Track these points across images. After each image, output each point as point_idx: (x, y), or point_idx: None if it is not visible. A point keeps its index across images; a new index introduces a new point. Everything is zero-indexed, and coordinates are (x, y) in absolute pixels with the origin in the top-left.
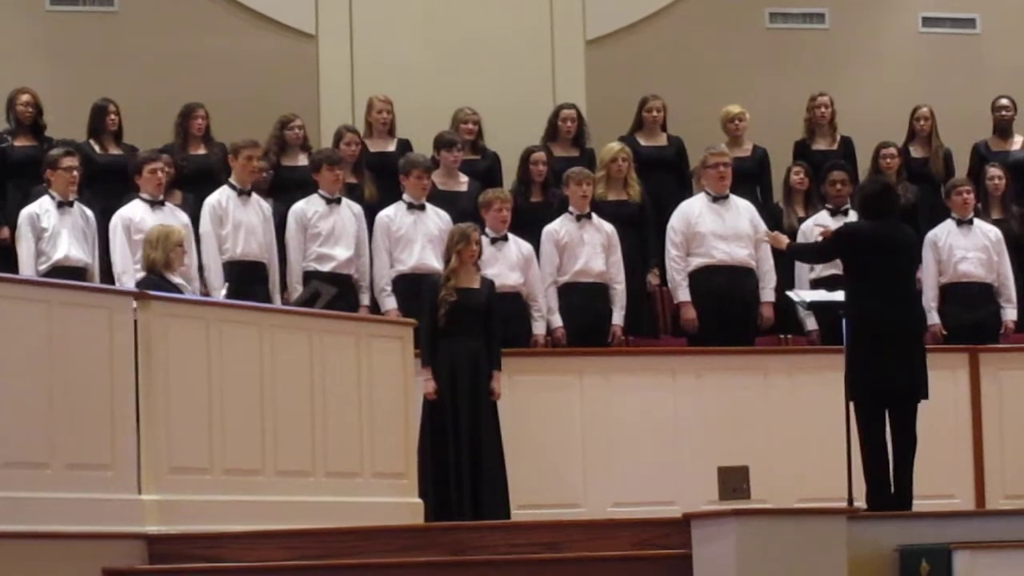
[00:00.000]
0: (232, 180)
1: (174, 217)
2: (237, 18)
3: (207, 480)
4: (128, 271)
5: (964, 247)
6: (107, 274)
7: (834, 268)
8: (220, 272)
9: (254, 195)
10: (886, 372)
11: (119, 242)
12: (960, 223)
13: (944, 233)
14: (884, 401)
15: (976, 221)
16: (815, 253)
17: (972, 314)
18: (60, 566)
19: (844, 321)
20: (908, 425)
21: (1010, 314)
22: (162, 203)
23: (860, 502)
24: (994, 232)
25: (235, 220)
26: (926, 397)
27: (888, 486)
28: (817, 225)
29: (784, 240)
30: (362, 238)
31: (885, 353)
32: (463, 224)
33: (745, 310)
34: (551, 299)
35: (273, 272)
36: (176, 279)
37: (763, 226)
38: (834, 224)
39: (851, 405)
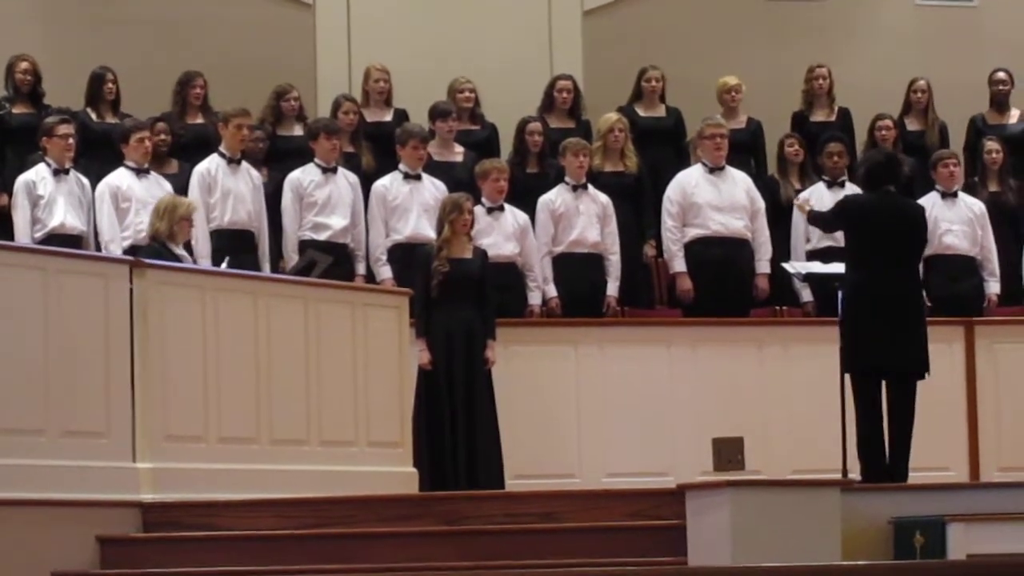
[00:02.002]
0: (222, 148)
1: (159, 186)
2: None
3: (202, 448)
4: (115, 239)
5: (949, 219)
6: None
7: (829, 240)
8: (207, 241)
9: (244, 163)
10: (882, 345)
11: (106, 210)
12: (945, 196)
13: (929, 205)
14: (879, 374)
15: (960, 194)
16: (822, 222)
17: (955, 286)
18: (54, 533)
19: (839, 293)
20: (905, 400)
21: (993, 287)
22: (148, 171)
23: (855, 474)
24: (978, 205)
25: (224, 188)
26: (926, 374)
27: (883, 459)
28: (801, 202)
29: (807, 208)
30: (358, 207)
31: (881, 326)
32: (456, 194)
33: (741, 281)
34: (546, 269)
35: (262, 241)
36: (179, 250)
37: (759, 198)
38: (828, 198)
39: (847, 377)
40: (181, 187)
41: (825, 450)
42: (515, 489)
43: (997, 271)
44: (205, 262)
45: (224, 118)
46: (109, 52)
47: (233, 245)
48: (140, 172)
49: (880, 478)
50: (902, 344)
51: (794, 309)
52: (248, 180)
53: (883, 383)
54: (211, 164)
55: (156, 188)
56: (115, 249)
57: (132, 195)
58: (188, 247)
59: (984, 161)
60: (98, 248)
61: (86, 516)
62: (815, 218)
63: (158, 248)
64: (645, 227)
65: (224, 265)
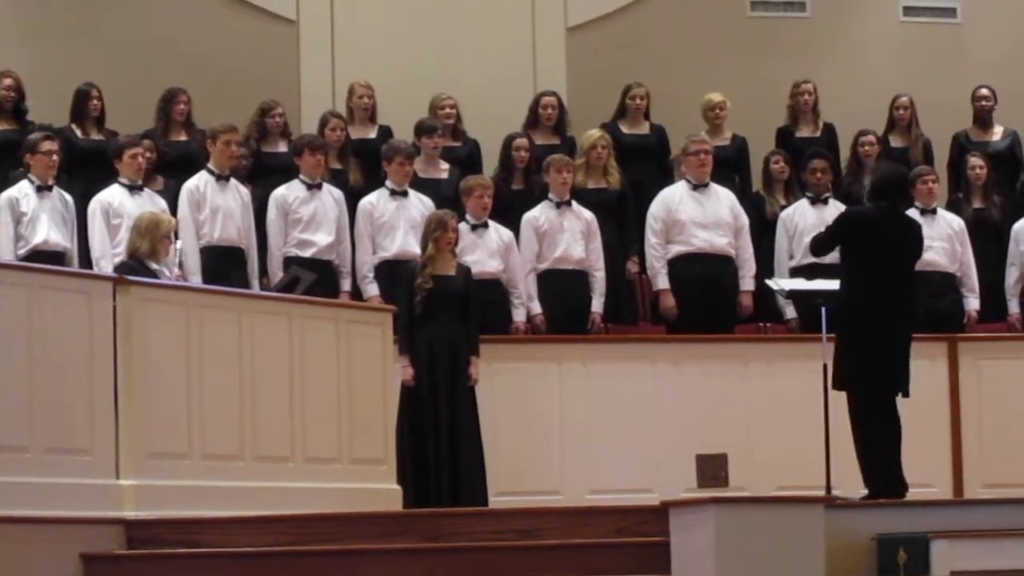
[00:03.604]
0: (210, 165)
1: (152, 203)
2: (218, 3)
3: (185, 465)
4: (106, 256)
5: (928, 236)
6: (86, 258)
7: (812, 257)
8: (197, 258)
9: (232, 180)
10: (878, 361)
11: (97, 227)
12: (924, 212)
13: None
14: (874, 389)
15: (940, 211)
16: (819, 245)
17: (935, 303)
18: (38, 550)
19: (824, 310)
20: (893, 413)
21: (972, 303)
22: (141, 188)
23: (839, 490)
24: (957, 222)
25: (213, 205)
26: (906, 394)
27: (888, 471)
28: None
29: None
30: (343, 224)
31: (877, 341)
32: (440, 211)
33: (724, 298)
34: (531, 286)
35: (251, 257)
36: (154, 265)
37: (743, 215)
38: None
39: (828, 393)
40: (168, 204)
41: (809, 467)
42: (499, 506)
43: (976, 287)
44: (196, 279)
45: (212, 134)
46: (93, 68)
47: (222, 262)
48: (133, 189)
49: (890, 494)
50: (895, 360)
51: (778, 326)
52: (237, 197)
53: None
54: (200, 181)
55: (149, 205)
56: (106, 266)
57: (124, 212)
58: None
59: (968, 177)
60: (87, 265)
61: (69, 533)
62: (814, 244)
63: (134, 265)
64: (628, 244)
65: (178, 244)
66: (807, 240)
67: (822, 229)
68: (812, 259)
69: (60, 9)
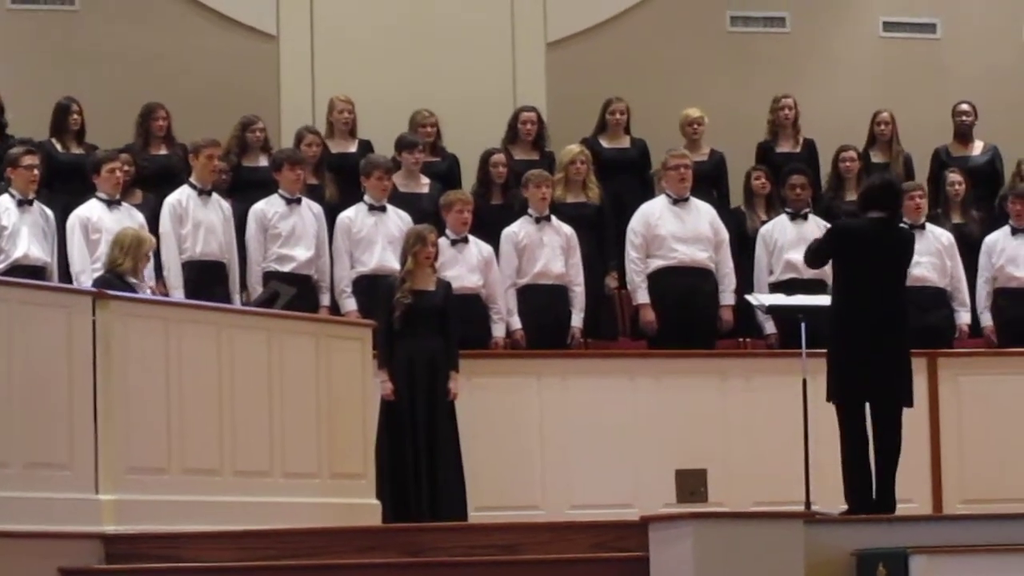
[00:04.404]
0: (192, 179)
1: (130, 217)
2: (198, 17)
3: (165, 480)
4: (86, 271)
5: (917, 251)
6: (66, 273)
7: (792, 272)
8: (179, 272)
9: (215, 195)
10: (866, 371)
11: (76, 241)
12: (912, 227)
13: None
14: (863, 401)
15: (928, 225)
16: (813, 256)
17: (925, 318)
18: (16, 565)
19: (803, 325)
20: (891, 428)
21: (964, 318)
22: (119, 202)
23: (818, 506)
24: (946, 236)
25: (195, 219)
26: (910, 405)
27: (870, 488)
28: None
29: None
30: (322, 238)
31: (866, 353)
32: (419, 226)
33: (704, 312)
34: (510, 301)
35: (233, 272)
36: (132, 279)
37: (723, 229)
38: (791, 230)
39: (808, 408)
40: (147, 218)
41: (788, 482)
42: (478, 521)
43: (968, 301)
44: (178, 293)
45: (195, 149)
46: (73, 83)
47: (204, 276)
48: (111, 203)
49: (868, 509)
50: (888, 373)
51: (757, 341)
52: (219, 211)
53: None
54: (182, 195)
55: (127, 219)
56: (85, 280)
57: (103, 226)
58: (158, 273)
59: (947, 193)
60: (67, 279)
61: (48, 548)
62: (808, 255)
63: (110, 279)
64: (607, 258)
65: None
66: (787, 256)
67: (810, 241)
68: (792, 274)
69: (40, 23)
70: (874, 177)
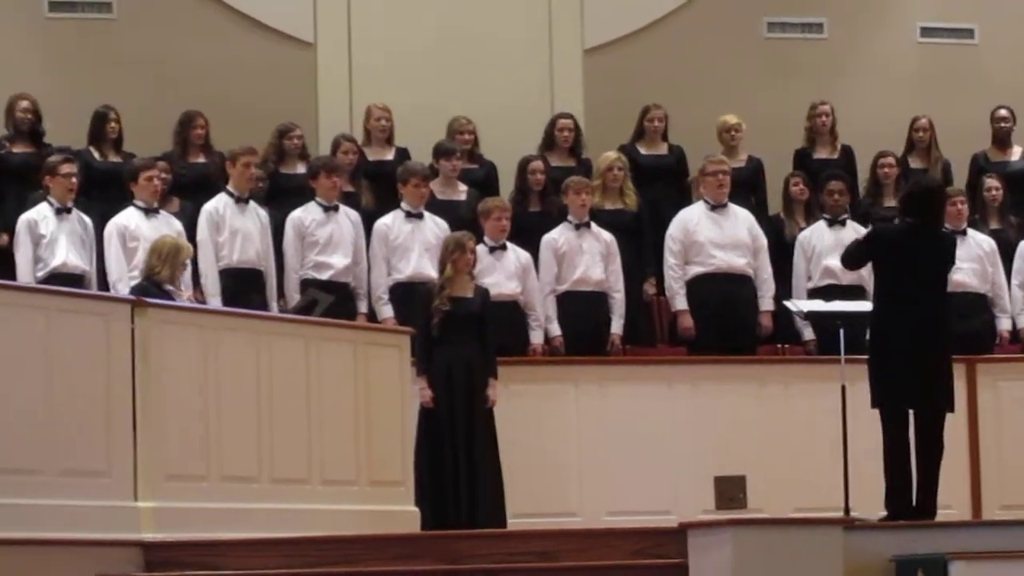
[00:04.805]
0: (230, 187)
1: (168, 225)
2: (236, 25)
3: (203, 487)
4: (123, 279)
5: (958, 257)
6: (104, 281)
7: (830, 278)
8: (216, 280)
9: (251, 202)
10: (907, 377)
11: (114, 249)
12: (954, 233)
13: None
14: (905, 407)
15: (970, 231)
16: (851, 258)
17: (966, 324)
18: (55, 573)
19: (841, 331)
20: (932, 434)
21: (1005, 324)
22: (156, 210)
23: (857, 512)
24: (988, 243)
25: (232, 227)
26: (951, 410)
27: (909, 493)
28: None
29: None
30: (360, 245)
31: (907, 359)
32: (458, 233)
33: (742, 318)
34: (549, 308)
35: (270, 280)
36: (168, 287)
37: (762, 235)
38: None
39: (846, 414)
40: (184, 226)
41: (827, 488)
42: (516, 528)
43: (1008, 307)
44: (215, 301)
45: (232, 157)
46: (111, 91)
47: (241, 284)
48: (149, 211)
49: (907, 514)
50: (930, 379)
51: (796, 347)
52: (256, 219)
53: (911, 417)
54: (219, 203)
55: (165, 227)
56: (123, 288)
57: (140, 234)
58: (196, 280)
59: (984, 198)
60: (104, 287)
61: (87, 555)
62: (845, 256)
63: (149, 287)
64: (645, 265)
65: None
66: (825, 262)
67: (849, 243)
68: (830, 280)
69: (79, 32)
70: (916, 181)
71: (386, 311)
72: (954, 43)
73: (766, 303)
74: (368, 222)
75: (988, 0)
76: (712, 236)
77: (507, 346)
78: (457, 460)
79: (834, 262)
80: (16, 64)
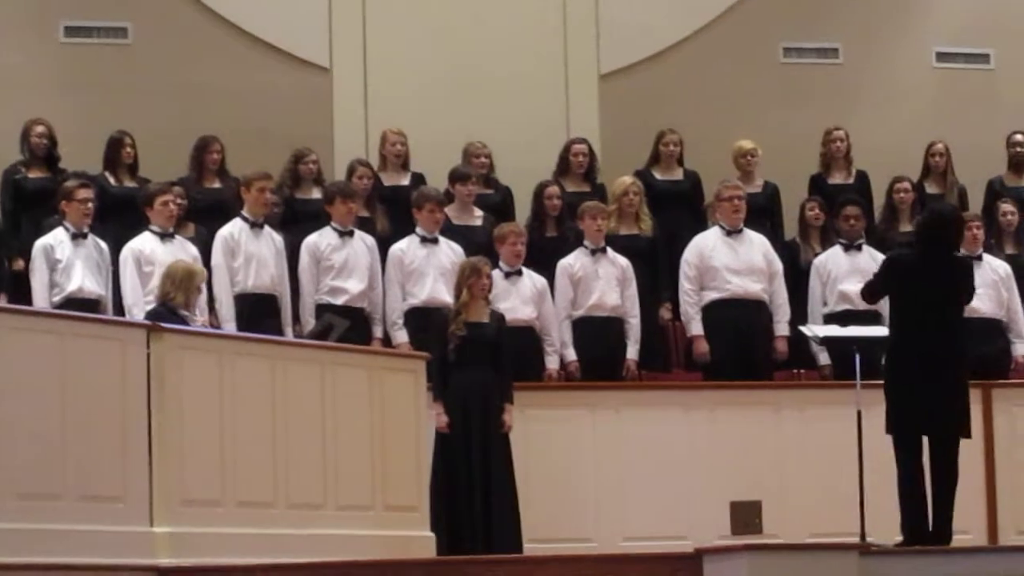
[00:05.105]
0: (244, 212)
1: (184, 250)
2: (251, 51)
3: (219, 513)
4: (138, 303)
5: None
6: (120, 306)
7: (846, 304)
8: (231, 305)
9: (266, 227)
10: (921, 404)
11: (129, 274)
12: (969, 258)
13: None
14: (919, 433)
15: (985, 256)
16: (870, 292)
17: (982, 349)
18: None
19: (857, 357)
20: (947, 460)
21: (1020, 349)
22: (172, 235)
23: (873, 537)
24: (1004, 268)
25: (247, 252)
26: (967, 435)
27: (924, 519)
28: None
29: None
30: (375, 270)
31: (922, 385)
32: (474, 258)
33: (758, 344)
34: (565, 333)
35: (285, 305)
36: (183, 312)
37: (777, 260)
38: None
39: (862, 439)
40: (199, 251)
41: (843, 514)
42: (532, 553)
43: None
44: (230, 326)
45: (246, 182)
46: (126, 116)
47: (256, 309)
48: (164, 236)
49: (922, 540)
50: (945, 405)
51: (812, 372)
52: (271, 244)
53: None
54: (234, 228)
55: (180, 252)
56: (138, 313)
57: (156, 259)
58: (211, 306)
59: (1000, 223)
60: (120, 312)
61: None
62: (866, 290)
63: (164, 312)
64: (660, 290)
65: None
66: (840, 287)
67: (868, 276)
68: (846, 306)
69: (93, 57)
70: (931, 208)
71: (401, 336)
72: (970, 68)
73: (781, 328)
74: (384, 247)
75: (1004, 25)
76: (727, 261)
77: (523, 371)
78: (473, 485)
79: (850, 287)
80: (32, 89)
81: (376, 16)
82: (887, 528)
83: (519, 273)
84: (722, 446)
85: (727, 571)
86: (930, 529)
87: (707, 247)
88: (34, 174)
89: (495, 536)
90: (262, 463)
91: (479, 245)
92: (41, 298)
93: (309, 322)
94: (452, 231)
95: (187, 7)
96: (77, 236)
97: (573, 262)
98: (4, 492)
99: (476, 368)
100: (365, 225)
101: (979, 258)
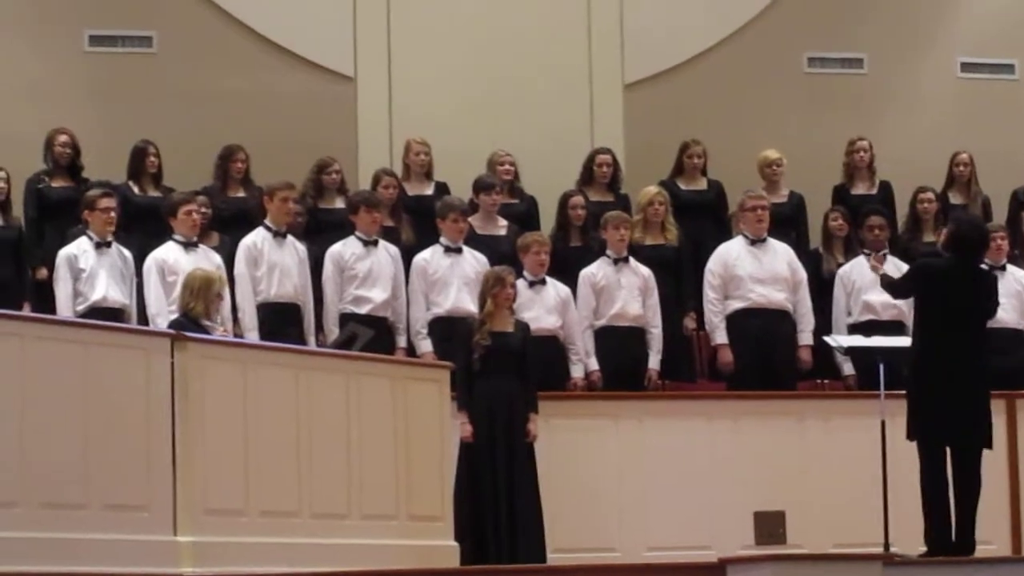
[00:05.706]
0: (267, 221)
1: (207, 259)
2: (276, 60)
3: (242, 522)
4: (162, 313)
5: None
6: (143, 315)
7: (870, 314)
8: (254, 314)
9: (289, 237)
10: (945, 413)
11: (153, 284)
12: (992, 269)
13: None
14: (942, 442)
15: (1009, 267)
16: (893, 288)
17: (1005, 360)
18: None
19: (881, 366)
20: (970, 470)
21: None
22: (196, 244)
23: (897, 547)
24: None
25: (270, 262)
26: (989, 447)
27: (949, 529)
28: (875, 263)
29: (881, 269)
30: (399, 280)
31: (946, 393)
32: (498, 267)
33: (781, 353)
34: (588, 342)
35: (308, 314)
36: (205, 321)
37: (801, 270)
38: (868, 271)
39: (886, 449)
40: (223, 260)
41: (867, 524)
42: (556, 563)
43: None
44: (252, 335)
45: (269, 191)
46: (151, 125)
47: (279, 319)
48: (188, 245)
49: (947, 550)
50: (967, 415)
51: (836, 382)
52: (294, 253)
53: (948, 452)
54: (257, 237)
55: (204, 261)
56: (162, 323)
57: (179, 268)
58: (234, 315)
59: (1023, 233)
60: (144, 321)
61: None
62: (887, 283)
63: (186, 323)
64: (685, 300)
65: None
66: (865, 297)
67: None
68: (870, 316)
69: (118, 66)
70: (957, 218)
71: (425, 346)
72: (994, 78)
73: (805, 338)
74: (408, 257)
75: None
76: (751, 271)
77: (547, 381)
78: (497, 495)
79: (874, 297)
80: (56, 98)
81: (400, 25)
82: (911, 538)
83: (543, 283)
84: (746, 456)
85: None
86: (953, 539)
87: (731, 256)
88: (57, 183)
89: (519, 546)
90: (286, 472)
91: (503, 255)
92: (65, 307)
93: (333, 331)
94: (477, 241)
95: (212, 16)
96: (101, 245)
97: (595, 271)
98: (29, 501)
99: (501, 377)
100: (390, 235)
101: (1003, 268)
